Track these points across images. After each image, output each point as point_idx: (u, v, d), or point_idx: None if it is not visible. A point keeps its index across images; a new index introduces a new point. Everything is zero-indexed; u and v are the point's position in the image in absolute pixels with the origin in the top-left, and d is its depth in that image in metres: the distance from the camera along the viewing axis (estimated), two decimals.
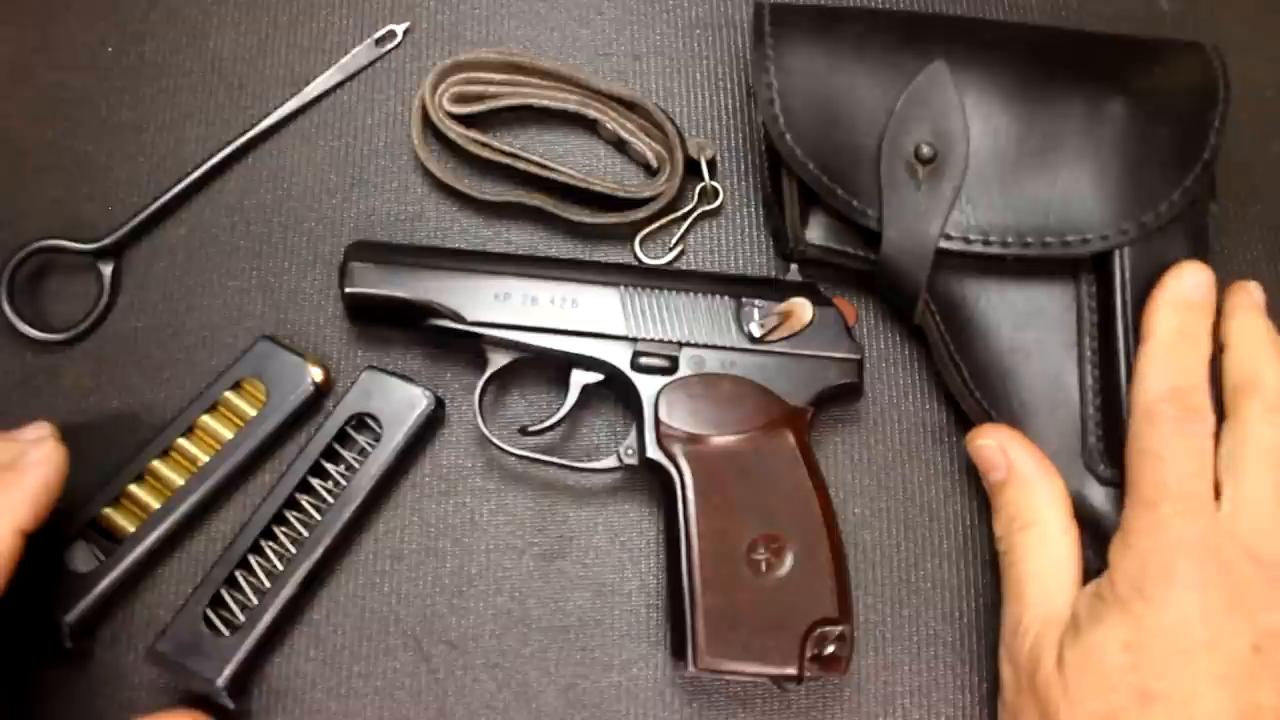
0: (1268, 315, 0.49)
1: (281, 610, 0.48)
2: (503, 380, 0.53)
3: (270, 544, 0.49)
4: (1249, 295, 0.49)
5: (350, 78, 0.58)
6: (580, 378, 0.50)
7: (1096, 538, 0.48)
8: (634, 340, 0.50)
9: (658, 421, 0.49)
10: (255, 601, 0.48)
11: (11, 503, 0.45)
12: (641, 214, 0.54)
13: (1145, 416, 0.46)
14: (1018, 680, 0.46)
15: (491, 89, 0.56)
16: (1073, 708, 0.43)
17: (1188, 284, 0.48)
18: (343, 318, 0.54)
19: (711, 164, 0.56)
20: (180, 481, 0.50)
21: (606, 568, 0.52)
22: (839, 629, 0.46)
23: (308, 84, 0.57)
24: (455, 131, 0.55)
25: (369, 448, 0.51)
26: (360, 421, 0.51)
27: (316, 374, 0.52)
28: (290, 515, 0.50)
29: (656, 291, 0.50)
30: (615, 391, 0.52)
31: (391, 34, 0.58)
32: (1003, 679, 0.47)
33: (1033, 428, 0.50)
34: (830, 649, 0.46)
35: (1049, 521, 0.47)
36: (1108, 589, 0.44)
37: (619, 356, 0.50)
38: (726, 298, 0.50)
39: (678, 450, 0.49)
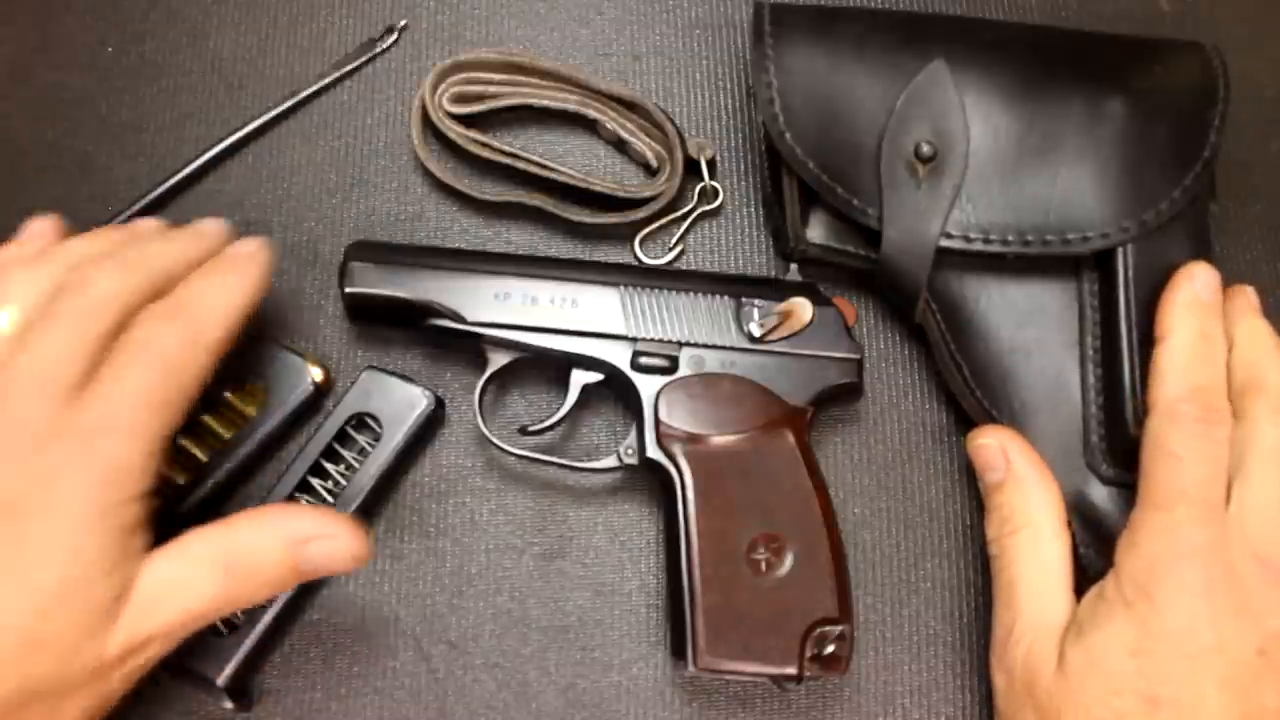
0: (1267, 316, 0.49)
1: (281, 610, 0.48)
2: (503, 380, 0.53)
3: None
4: (1248, 299, 0.50)
5: (347, 74, 0.58)
6: (580, 378, 0.50)
7: (1098, 537, 0.48)
8: (634, 340, 0.50)
9: (658, 421, 0.49)
10: None
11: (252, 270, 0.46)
12: (641, 214, 0.54)
13: (1166, 416, 0.46)
14: (1012, 687, 0.46)
15: (491, 89, 0.56)
16: (1076, 712, 0.43)
17: (1199, 284, 0.48)
18: (343, 318, 0.54)
19: (711, 164, 0.56)
20: (181, 481, 0.50)
21: (606, 568, 0.52)
22: (839, 629, 0.46)
23: (307, 83, 0.57)
24: (455, 131, 0.55)
25: (369, 448, 0.51)
26: (360, 421, 0.51)
27: (316, 374, 0.52)
28: None
29: (656, 291, 0.50)
30: (615, 391, 0.52)
31: (390, 30, 0.58)
32: (995, 686, 0.47)
33: (1034, 426, 0.50)
34: (830, 649, 0.46)
35: (1042, 525, 0.47)
36: (1112, 590, 0.44)
37: (619, 356, 0.50)
38: (726, 297, 0.50)
39: (678, 450, 0.49)
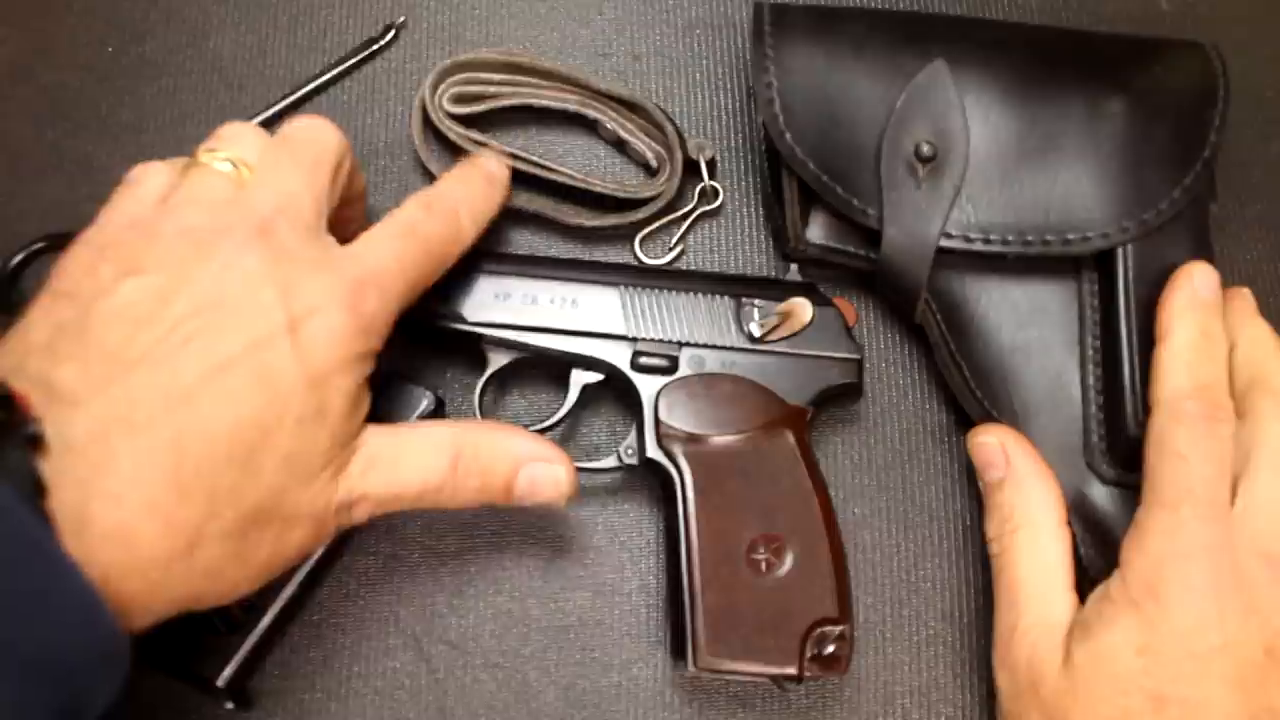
0: (1267, 317, 0.49)
1: (281, 610, 0.48)
2: (503, 380, 0.53)
3: None
4: (1246, 300, 0.50)
5: (345, 72, 0.58)
6: (580, 378, 0.50)
7: (1098, 537, 0.48)
8: (634, 340, 0.50)
9: (658, 421, 0.49)
10: (255, 601, 0.48)
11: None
12: (641, 214, 0.54)
13: (1170, 414, 0.46)
14: (1016, 687, 0.46)
15: (491, 89, 0.56)
16: (1084, 712, 0.43)
17: (1199, 283, 0.48)
18: None
19: (711, 164, 0.56)
20: None
21: (606, 568, 0.52)
22: (839, 629, 0.46)
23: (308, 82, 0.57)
24: (455, 131, 0.55)
25: None
26: None
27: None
28: None
29: (656, 291, 0.50)
30: (615, 391, 0.52)
31: (389, 28, 0.58)
32: (999, 686, 0.47)
33: (1035, 427, 0.50)
34: (830, 649, 0.46)
35: (1042, 524, 0.47)
36: (1119, 589, 0.44)
37: (619, 356, 0.50)
38: (726, 298, 0.50)
39: (678, 450, 0.48)
